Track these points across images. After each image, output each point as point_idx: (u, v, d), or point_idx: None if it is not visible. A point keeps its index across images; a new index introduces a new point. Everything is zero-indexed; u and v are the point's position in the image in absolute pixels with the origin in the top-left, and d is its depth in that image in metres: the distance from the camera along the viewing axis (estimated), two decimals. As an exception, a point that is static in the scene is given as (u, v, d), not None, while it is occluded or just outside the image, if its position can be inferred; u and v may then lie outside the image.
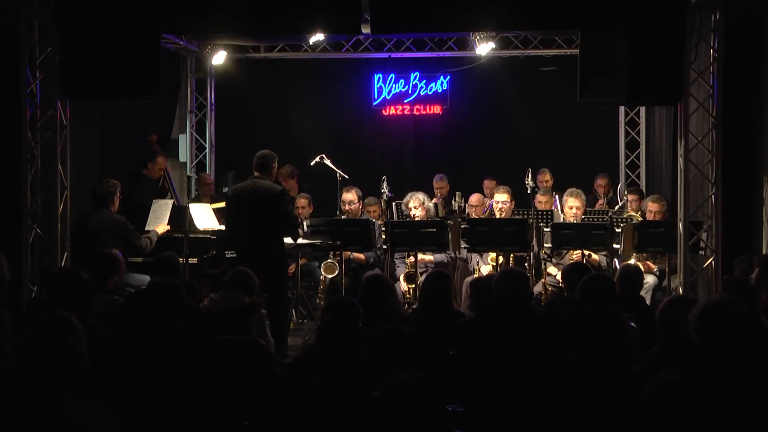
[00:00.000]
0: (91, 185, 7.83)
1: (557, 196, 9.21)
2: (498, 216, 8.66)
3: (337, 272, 8.36)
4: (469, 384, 4.20)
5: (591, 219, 8.79)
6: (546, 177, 10.41)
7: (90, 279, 4.88)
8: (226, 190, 8.96)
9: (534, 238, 8.13)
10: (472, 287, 6.06)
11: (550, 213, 8.83)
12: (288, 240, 7.67)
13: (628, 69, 6.82)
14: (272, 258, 7.15)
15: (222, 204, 8.81)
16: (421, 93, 11.63)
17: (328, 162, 9.44)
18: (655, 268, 8.22)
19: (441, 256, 8.73)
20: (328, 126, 11.63)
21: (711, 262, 7.37)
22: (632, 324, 4.91)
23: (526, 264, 8.18)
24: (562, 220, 8.64)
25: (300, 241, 8.06)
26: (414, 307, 7.11)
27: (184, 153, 11.36)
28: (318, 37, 9.73)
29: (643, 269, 7.73)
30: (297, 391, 2.81)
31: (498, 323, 4.54)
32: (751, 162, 7.72)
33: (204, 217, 8.17)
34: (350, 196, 9.00)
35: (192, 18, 7.27)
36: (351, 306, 4.51)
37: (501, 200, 8.73)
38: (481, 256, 8.53)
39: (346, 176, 9.61)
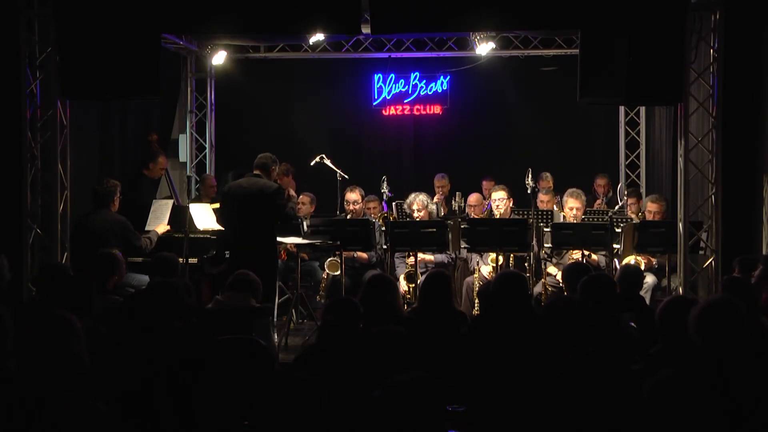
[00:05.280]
0: (91, 185, 7.84)
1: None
2: (496, 214, 8.66)
3: (339, 270, 8.35)
4: (469, 384, 4.20)
5: (591, 219, 8.78)
6: (548, 183, 10.35)
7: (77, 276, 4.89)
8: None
9: (534, 238, 8.12)
10: (479, 295, 6.03)
11: (550, 213, 8.83)
12: (291, 240, 7.69)
13: (628, 69, 6.82)
14: (265, 256, 7.21)
15: (222, 204, 8.81)
16: (421, 93, 11.62)
17: (328, 162, 9.43)
18: (654, 261, 8.22)
19: (441, 256, 8.72)
20: (328, 126, 11.63)
21: (711, 262, 7.37)
22: (632, 324, 4.91)
23: (526, 264, 8.17)
24: (562, 219, 8.64)
25: (300, 241, 8.07)
26: (413, 306, 7.10)
27: (184, 153, 11.35)
28: (318, 37, 9.72)
29: (643, 262, 7.77)
30: (297, 391, 2.81)
31: (497, 324, 4.54)
32: (751, 162, 7.71)
33: (204, 217, 8.17)
34: (354, 195, 9.01)
35: (192, 18, 7.28)
36: (351, 306, 4.50)
37: (498, 197, 8.70)
38: (481, 256, 8.51)
39: (346, 176, 9.61)
